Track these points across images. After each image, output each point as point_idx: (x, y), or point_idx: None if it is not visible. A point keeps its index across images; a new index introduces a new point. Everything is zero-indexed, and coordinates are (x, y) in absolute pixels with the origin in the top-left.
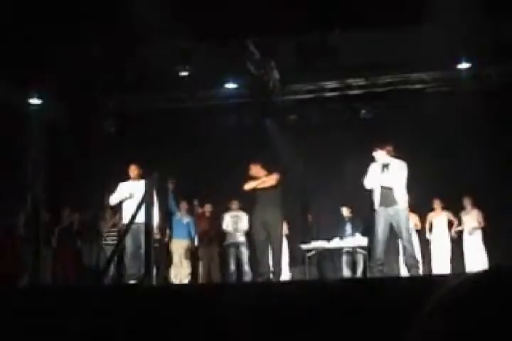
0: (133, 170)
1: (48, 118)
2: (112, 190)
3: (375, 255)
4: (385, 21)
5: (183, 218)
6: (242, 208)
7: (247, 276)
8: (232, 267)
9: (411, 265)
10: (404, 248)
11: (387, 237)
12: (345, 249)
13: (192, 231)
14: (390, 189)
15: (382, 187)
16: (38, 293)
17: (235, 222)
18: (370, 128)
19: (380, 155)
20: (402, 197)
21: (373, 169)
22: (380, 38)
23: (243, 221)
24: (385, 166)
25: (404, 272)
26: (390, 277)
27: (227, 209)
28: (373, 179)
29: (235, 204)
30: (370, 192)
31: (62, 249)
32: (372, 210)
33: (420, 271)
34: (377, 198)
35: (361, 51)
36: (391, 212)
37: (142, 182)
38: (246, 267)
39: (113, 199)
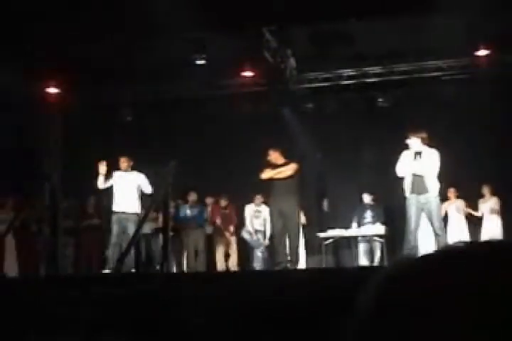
0: (123, 163)
1: (64, 108)
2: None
3: (408, 243)
4: (402, 9)
5: (193, 208)
6: (264, 202)
7: (260, 264)
8: (259, 254)
9: None
10: (437, 236)
11: (418, 225)
12: (362, 237)
13: (203, 221)
14: (422, 177)
15: (413, 174)
16: (54, 282)
17: (257, 216)
18: (386, 117)
19: (414, 143)
20: (433, 185)
21: (406, 156)
22: (397, 25)
23: (264, 214)
24: (418, 154)
25: None
26: None
27: (250, 201)
28: (405, 166)
29: (258, 198)
30: (393, 179)
31: (86, 237)
32: (394, 198)
33: None
34: (408, 186)
35: (378, 39)
36: (422, 199)
37: (133, 174)
38: (259, 255)
39: (101, 184)
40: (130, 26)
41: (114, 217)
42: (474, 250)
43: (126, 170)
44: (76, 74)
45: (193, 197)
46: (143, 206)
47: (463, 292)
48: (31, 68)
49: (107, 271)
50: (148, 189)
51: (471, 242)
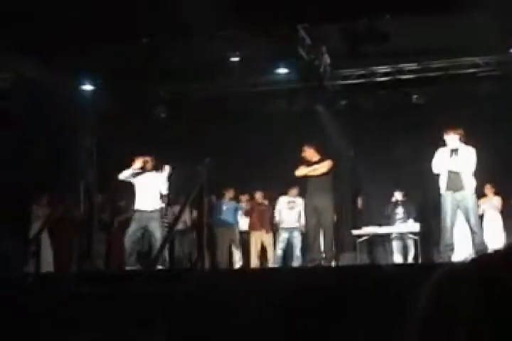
0: (147, 162)
1: (100, 105)
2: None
3: (444, 240)
4: (437, 6)
5: (227, 204)
6: (300, 194)
7: (298, 261)
8: (279, 252)
9: (480, 251)
10: (473, 233)
11: (454, 222)
12: (395, 235)
13: (237, 218)
14: (458, 173)
15: (449, 171)
16: (90, 279)
17: (291, 208)
18: (421, 114)
19: (451, 139)
20: (469, 182)
21: (442, 153)
22: (432, 22)
23: (299, 207)
24: (454, 151)
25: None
26: (442, 262)
27: (284, 193)
28: (441, 163)
29: (293, 190)
30: (427, 176)
31: (117, 234)
32: (428, 195)
33: None
34: (443, 183)
35: (413, 35)
36: (458, 197)
37: (154, 173)
38: (298, 252)
39: (123, 176)
40: (164, 25)
41: (135, 215)
42: None
43: (149, 170)
44: (111, 72)
45: (230, 194)
46: (168, 204)
47: None
48: (67, 65)
49: (128, 268)
50: (164, 189)
51: None
